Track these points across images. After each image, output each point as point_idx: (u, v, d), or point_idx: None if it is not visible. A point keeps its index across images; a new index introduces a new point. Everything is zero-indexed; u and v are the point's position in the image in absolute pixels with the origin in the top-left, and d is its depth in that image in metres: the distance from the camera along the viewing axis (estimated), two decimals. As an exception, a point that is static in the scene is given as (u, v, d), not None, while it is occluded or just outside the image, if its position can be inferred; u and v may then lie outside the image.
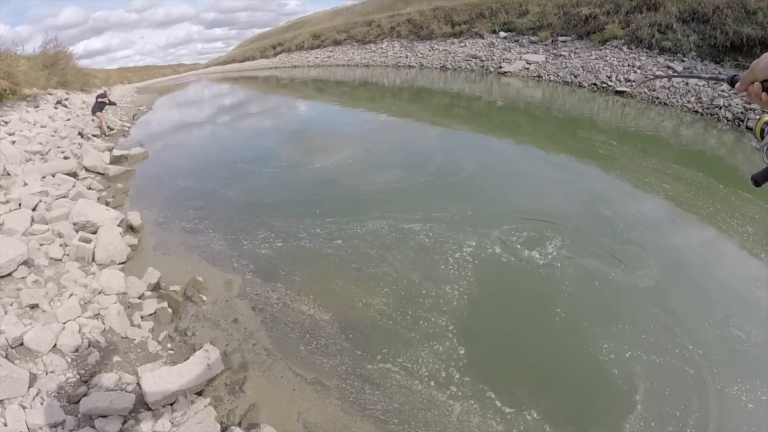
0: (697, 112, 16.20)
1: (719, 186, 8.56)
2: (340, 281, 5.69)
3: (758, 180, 1.44)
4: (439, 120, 16.35)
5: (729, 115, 15.23)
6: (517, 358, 4.45)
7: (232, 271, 6.15)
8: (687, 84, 18.28)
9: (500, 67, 27.28)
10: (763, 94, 1.35)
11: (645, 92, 18.69)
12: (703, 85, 17.77)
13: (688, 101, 17.04)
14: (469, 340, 4.61)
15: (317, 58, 51.10)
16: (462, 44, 33.33)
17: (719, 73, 18.36)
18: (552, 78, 23.53)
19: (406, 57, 36.70)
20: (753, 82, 1.38)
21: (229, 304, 5.43)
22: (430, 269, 5.81)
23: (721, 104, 15.84)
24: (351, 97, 24.43)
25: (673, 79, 18.96)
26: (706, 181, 8.80)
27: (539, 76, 24.21)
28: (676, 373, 4.17)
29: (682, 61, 20.23)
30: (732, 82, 1.54)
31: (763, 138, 1.51)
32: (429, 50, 35.56)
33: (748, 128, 1.64)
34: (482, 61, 29.49)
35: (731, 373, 4.17)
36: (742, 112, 15.06)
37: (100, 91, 18.55)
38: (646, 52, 21.91)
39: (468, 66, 30.00)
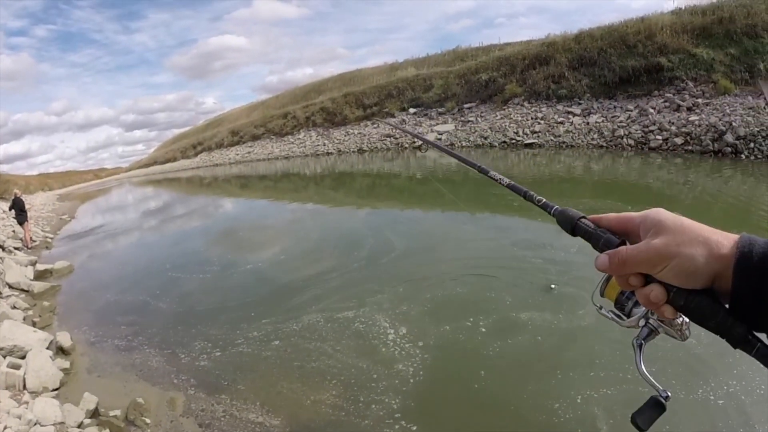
0: (602, 146, 17.33)
1: (628, 208, 9.05)
2: (285, 382, 5.52)
3: (641, 426, 0.81)
4: (364, 201, 16.58)
5: (632, 142, 16.48)
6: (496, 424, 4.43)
7: (173, 388, 5.87)
8: (588, 123, 19.52)
9: (414, 141, 28.17)
10: (668, 308, 0.73)
11: (551, 139, 19.70)
12: (603, 120, 19.01)
13: (593, 138, 18.23)
14: (429, 418, 4.56)
15: (237, 154, 51.41)
16: (375, 126, 34.32)
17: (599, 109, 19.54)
18: (464, 143, 24.55)
19: (324, 144, 37.48)
20: (643, 278, 0.74)
21: (174, 424, 5.15)
22: (373, 353, 5.79)
23: (622, 134, 17.07)
24: (275, 190, 24.55)
25: (574, 121, 20.13)
26: (618, 207, 9.29)
27: (452, 144, 25.19)
28: (638, 399, 4.22)
29: (579, 104, 21.59)
30: (575, 230, 0.88)
31: (625, 310, 0.87)
32: (345, 135, 36.49)
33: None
34: (396, 138, 30.50)
35: (692, 378, 4.31)
36: (642, 136, 16.21)
37: (14, 198, 17.49)
38: (546, 103, 23.30)
39: (384, 145, 30.97)
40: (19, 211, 16.99)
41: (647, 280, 0.74)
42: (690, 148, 15.02)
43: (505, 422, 4.38)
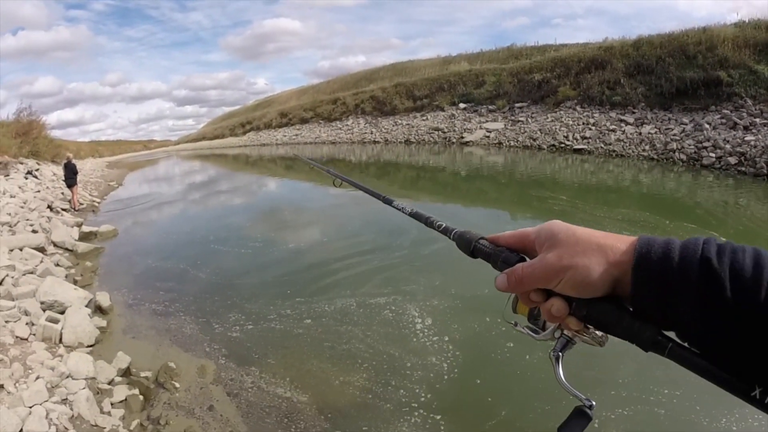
0: (653, 159, 16.87)
1: (666, 223, 8.88)
2: (315, 361, 5.55)
3: None
4: (407, 193, 16.52)
5: (683, 157, 15.96)
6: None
7: (204, 356, 5.95)
8: (640, 133, 19.06)
9: (462, 137, 28.09)
10: (572, 320, 0.71)
11: (601, 147, 19.37)
12: (656, 132, 18.50)
13: (644, 150, 17.77)
14: (453, 415, 4.52)
15: (285, 136, 51.83)
16: (424, 118, 34.33)
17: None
18: (512, 144, 24.30)
19: (371, 133, 37.53)
20: (544, 293, 0.73)
21: (203, 390, 5.22)
22: (403, 342, 5.75)
23: (675, 148, 16.55)
24: (320, 174, 24.59)
25: (626, 130, 19.70)
26: (657, 222, 9.14)
27: (500, 143, 24.98)
28: (659, 418, 4.15)
29: (633, 112, 21.04)
30: (474, 252, 0.88)
31: (538, 323, 0.85)
32: (393, 125, 36.49)
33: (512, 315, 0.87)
34: (444, 132, 30.40)
35: (717, 402, 4.14)
36: (695, 152, 15.74)
37: (66, 160, 17.90)
38: (599, 109, 22.80)
39: (431, 138, 30.83)
40: (71, 174, 17.37)
41: (548, 294, 0.73)
42: (743, 169, 14.37)
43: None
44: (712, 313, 0.57)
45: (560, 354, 0.80)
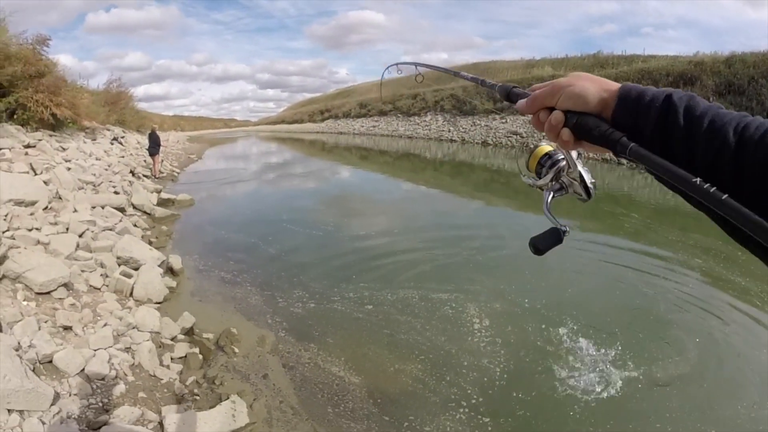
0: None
1: (738, 254, 8.13)
2: (372, 346, 5.58)
3: (539, 247, 1.07)
4: (480, 195, 16.36)
5: None
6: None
7: (266, 326, 6.09)
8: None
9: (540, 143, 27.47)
10: (565, 131, 0.90)
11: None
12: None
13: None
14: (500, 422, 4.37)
15: (363, 126, 52.53)
16: (503, 120, 33.78)
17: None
18: (592, 155, 23.43)
19: (449, 131, 37.47)
20: (550, 108, 0.92)
21: (260, 358, 5.33)
22: (460, 340, 5.67)
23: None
24: (393, 167, 24.83)
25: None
26: (728, 251, 8.42)
27: (579, 154, 24.30)
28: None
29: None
30: (510, 95, 1.11)
31: (540, 175, 1.13)
32: (471, 125, 36.22)
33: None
34: (523, 137, 29.92)
35: None
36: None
37: (150, 131, 18.83)
38: (685, 128, 21.81)
39: (509, 142, 30.44)
40: (154, 144, 18.28)
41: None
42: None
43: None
44: (668, 132, 0.79)
45: (552, 194, 1.10)
